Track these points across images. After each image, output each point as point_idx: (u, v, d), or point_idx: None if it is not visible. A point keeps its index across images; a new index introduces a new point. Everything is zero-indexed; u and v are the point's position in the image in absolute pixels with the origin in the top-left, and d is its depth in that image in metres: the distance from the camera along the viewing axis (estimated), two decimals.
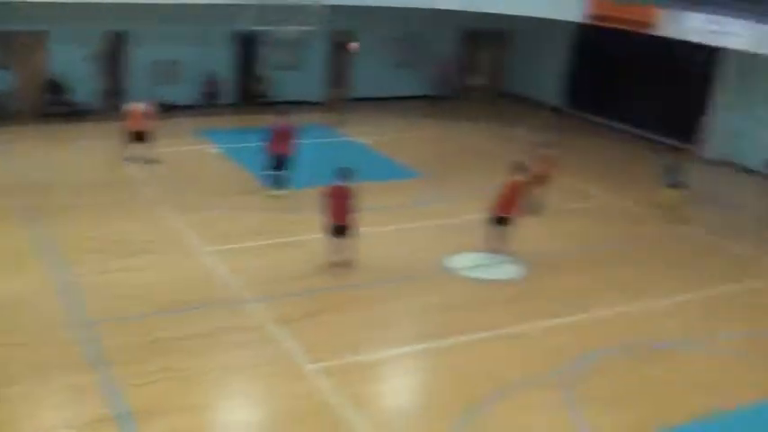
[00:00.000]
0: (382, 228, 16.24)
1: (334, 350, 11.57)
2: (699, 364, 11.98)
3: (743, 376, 11.61)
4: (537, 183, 16.84)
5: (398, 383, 11.24)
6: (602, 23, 22.39)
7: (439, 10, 24.89)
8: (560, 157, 18.00)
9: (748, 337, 12.82)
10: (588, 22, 22.75)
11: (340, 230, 13.80)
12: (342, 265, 13.96)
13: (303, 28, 22.74)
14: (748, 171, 21.19)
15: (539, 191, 17.13)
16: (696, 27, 19.83)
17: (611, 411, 10.54)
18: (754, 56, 19.84)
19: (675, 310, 13.60)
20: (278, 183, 17.50)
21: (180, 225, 15.63)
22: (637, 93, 25.24)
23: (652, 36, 21.16)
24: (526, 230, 16.59)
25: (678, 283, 14.61)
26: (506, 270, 14.73)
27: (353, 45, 17.48)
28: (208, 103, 24.84)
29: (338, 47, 26.56)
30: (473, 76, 29.37)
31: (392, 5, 24.32)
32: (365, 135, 23.18)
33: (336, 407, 10.23)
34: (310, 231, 14.90)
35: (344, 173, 13.77)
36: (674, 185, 17.30)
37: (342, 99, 25.40)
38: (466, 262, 14.93)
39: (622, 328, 12.82)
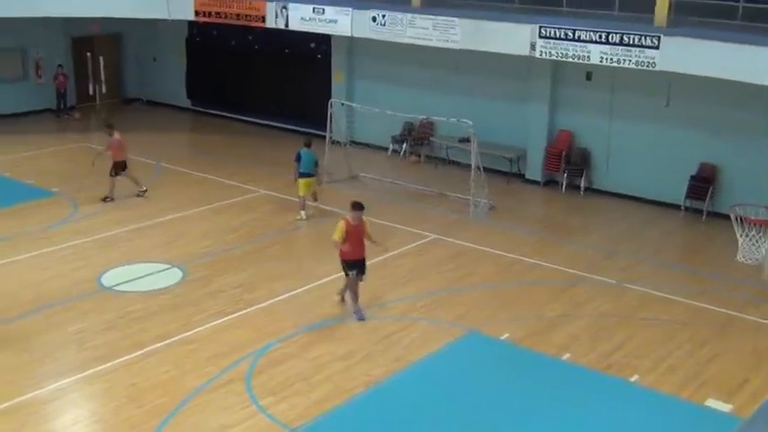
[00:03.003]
0: (24, 255, 15.18)
1: None
2: (370, 333, 12.59)
3: (406, 337, 12.48)
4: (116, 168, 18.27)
5: (73, 415, 10.45)
6: (209, 20, 22.63)
7: (43, 17, 23.42)
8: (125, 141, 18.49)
9: (409, 301, 13.75)
10: (196, 19, 22.87)
11: None
12: None
13: None
14: (376, 148, 22.65)
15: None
16: (304, 17, 20.80)
17: (289, 397, 10.73)
18: (358, 39, 21.30)
19: (335, 287, 14.02)
20: None
21: None
22: (262, 85, 25.81)
23: (269, 28, 21.82)
24: (173, 232, 16.49)
25: (334, 262, 14.95)
26: (163, 278, 14.39)
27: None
28: None
29: None
30: (93, 85, 28.08)
31: None
32: None
33: None
34: None
35: None
36: (307, 174, 17.49)
37: None
38: (120, 276, 14.36)
39: (290, 315, 13.11)
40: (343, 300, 13.42)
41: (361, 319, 12.94)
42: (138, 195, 18.49)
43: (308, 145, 17.50)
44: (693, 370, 11.66)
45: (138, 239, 16.20)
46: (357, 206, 12.82)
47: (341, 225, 12.76)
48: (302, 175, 17.30)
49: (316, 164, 17.54)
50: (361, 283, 13.15)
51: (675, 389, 11.19)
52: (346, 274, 13.00)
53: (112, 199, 18.22)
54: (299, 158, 17.29)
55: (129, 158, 18.59)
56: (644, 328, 12.89)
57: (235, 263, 15.12)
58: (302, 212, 17.54)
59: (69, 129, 25.19)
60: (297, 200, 17.73)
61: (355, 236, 12.83)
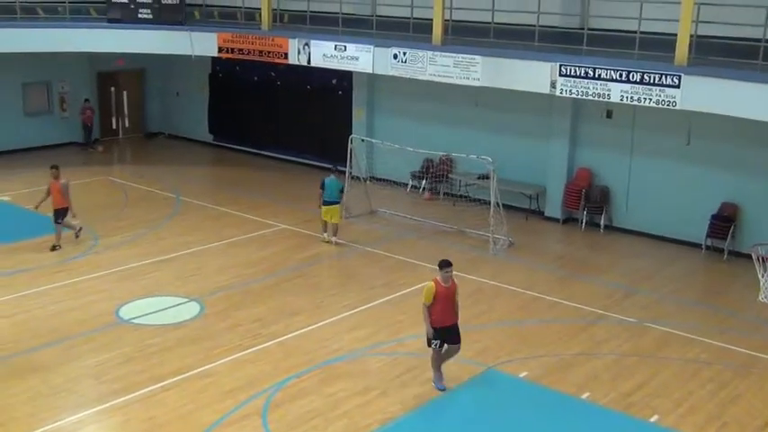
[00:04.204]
0: (44, 287, 15.25)
1: (8, 428, 10.53)
2: (388, 369, 12.53)
3: (423, 374, 12.38)
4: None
5: None
6: (233, 56, 22.86)
7: (68, 52, 23.78)
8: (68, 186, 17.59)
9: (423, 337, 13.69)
10: (219, 55, 23.12)
11: None
12: None
13: None
14: (395, 184, 22.65)
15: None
16: (326, 54, 20.98)
17: None
18: (379, 76, 21.45)
19: (353, 323, 14.17)
20: None
21: None
22: (284, 120, 25.98)
23: (292, 65, 22.03)
24: (193, 265, 16.56)
25: (353, 297, 15.25)
26: (181, 312, 14.42)
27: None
28: None
29: None
30: (116, 119, 28.44)
31: (15, 51, 22.81)
32: (1, 192, 21.53)
33: None
34: None
35: None
36: (331, 202, 17.87)
37: None
38: (139, 309, 14.39)
39: (308, 350, 13.08)
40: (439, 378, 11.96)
41: (441, 389, 11.83)
42: (77, 236, 17.67)
43: (333, 172, 18.07)
44: (715, 411, 11.50)
45: (157, 272, 16.26)
46: (445, 264, 11.52)
47: (430, 286, 11.54)
48: (326, 203, 17.82)
49: (341, 191, 18.06)
50: (437, 351, 11.78)
51: (696, 430, 11.02)
52: (428, 344, 11.80)
53: (60, 247, 17.22)
54: (323, 186, 17.79)
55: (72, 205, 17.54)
56: (664, 368, 12.75)
57: (253, 297, 15.14)
58: (324, 234, 18.13)
59: (92, 162, 25.45)
60: (318, 235, 18.23)
61: (445, 299, 11.56)
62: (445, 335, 11.69)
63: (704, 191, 18.13)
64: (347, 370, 12.49)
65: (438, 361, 11.89)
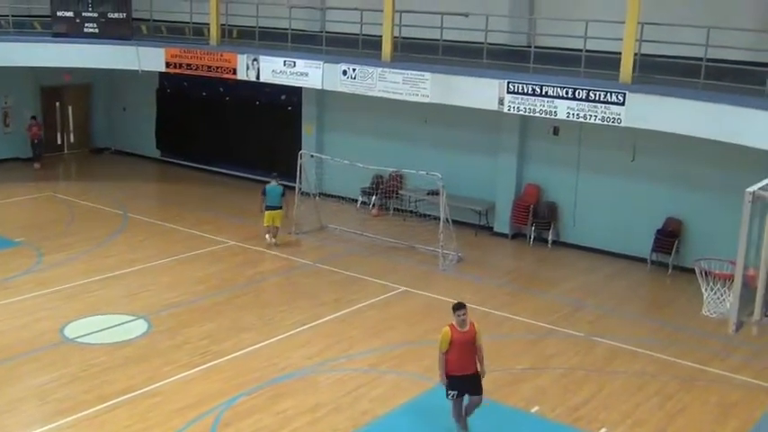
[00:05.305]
0: None
1: None
2: (337, 386, 12.51)
3: (373, 390, 12.38)
4: None
5: None
6: (181, 72, 22.68)
7: (9, 67, 23.37)
8: None
9: (378, 353, 13.69)
10: (167, 71, 22.93)
11: None
12: None
13: None
14: (345, 200, 22.63)
15: None
16: (275, 70, 20.96)
17: None
18: (328, 92, 21.50)
19: (303, 339, 14.11)
20: None
21: None
22: (232, 136, 25.81)
23: (241, 80, 21.95)
24: (140, 283, 16.35)
25: (302, 313, 15.19)
26: (128, 330, 14.21)
27: None
28: None
29: None
30: (61, 134, 27.99)
31: None
32: None
33: None
34: None
35: None
36: (274, 207, 18.56)
37: None
38: (85, 328, 14.15)
39: (257, 367, 12.98)
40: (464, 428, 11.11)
41: None
42: None
43: (274, 179, 18.81)
44: (661, 423, 11.69)
45: (104, 290, 16.02)
46: (458, 307, 10.69)
47: (445, 332, 10.62)
48: (268, 207, 18.63)
49: (282, 195, 18.67)
50: (455, 401, 10.89)
51: None
52: (446, 394, 10.91)
53: None
54: (264, 192, 18.68)
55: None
56: (612, 381, 12.93)
57: (201, 314, 14.99)
58: (267, 237, 18.86)
59: (37, 178, 24.99)
60: (264, 249, 18.32)
61: (461, 345, 10.61)
62: (464, 385, 10.79)
63: (649, 206, 18.47)
64: (297, 387, 12.43)
65: (457, 411, 10.97)
